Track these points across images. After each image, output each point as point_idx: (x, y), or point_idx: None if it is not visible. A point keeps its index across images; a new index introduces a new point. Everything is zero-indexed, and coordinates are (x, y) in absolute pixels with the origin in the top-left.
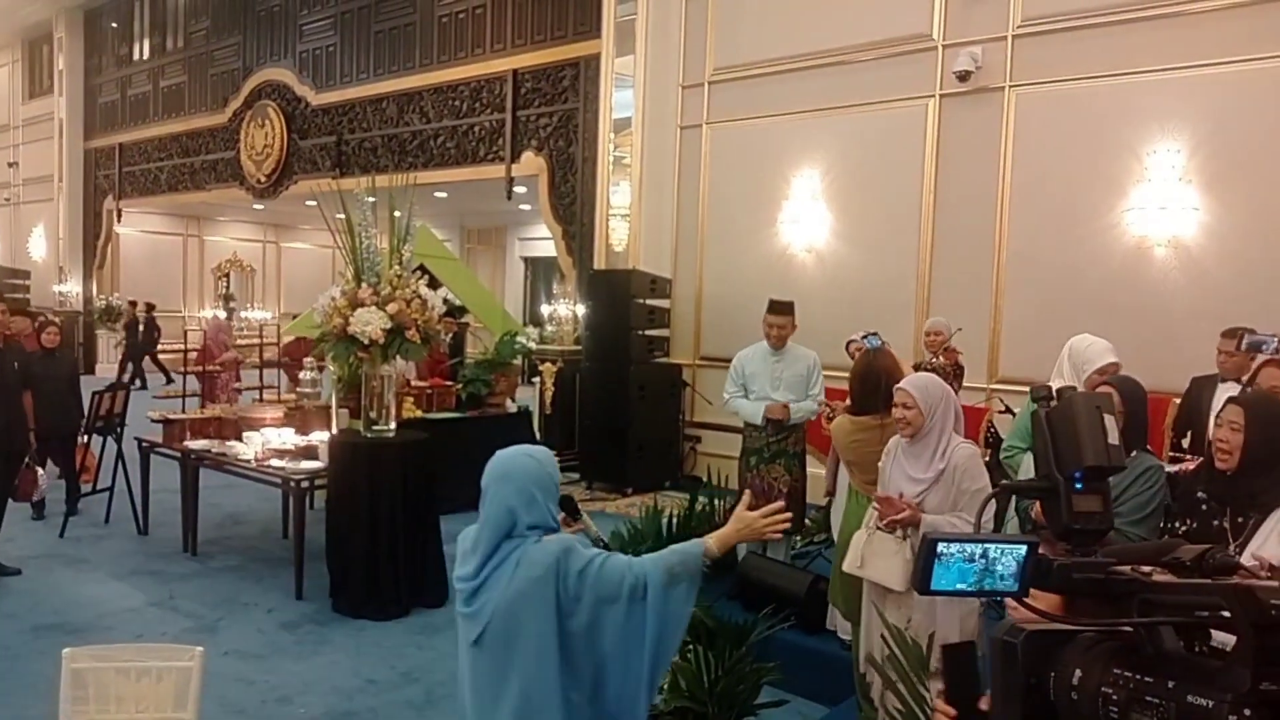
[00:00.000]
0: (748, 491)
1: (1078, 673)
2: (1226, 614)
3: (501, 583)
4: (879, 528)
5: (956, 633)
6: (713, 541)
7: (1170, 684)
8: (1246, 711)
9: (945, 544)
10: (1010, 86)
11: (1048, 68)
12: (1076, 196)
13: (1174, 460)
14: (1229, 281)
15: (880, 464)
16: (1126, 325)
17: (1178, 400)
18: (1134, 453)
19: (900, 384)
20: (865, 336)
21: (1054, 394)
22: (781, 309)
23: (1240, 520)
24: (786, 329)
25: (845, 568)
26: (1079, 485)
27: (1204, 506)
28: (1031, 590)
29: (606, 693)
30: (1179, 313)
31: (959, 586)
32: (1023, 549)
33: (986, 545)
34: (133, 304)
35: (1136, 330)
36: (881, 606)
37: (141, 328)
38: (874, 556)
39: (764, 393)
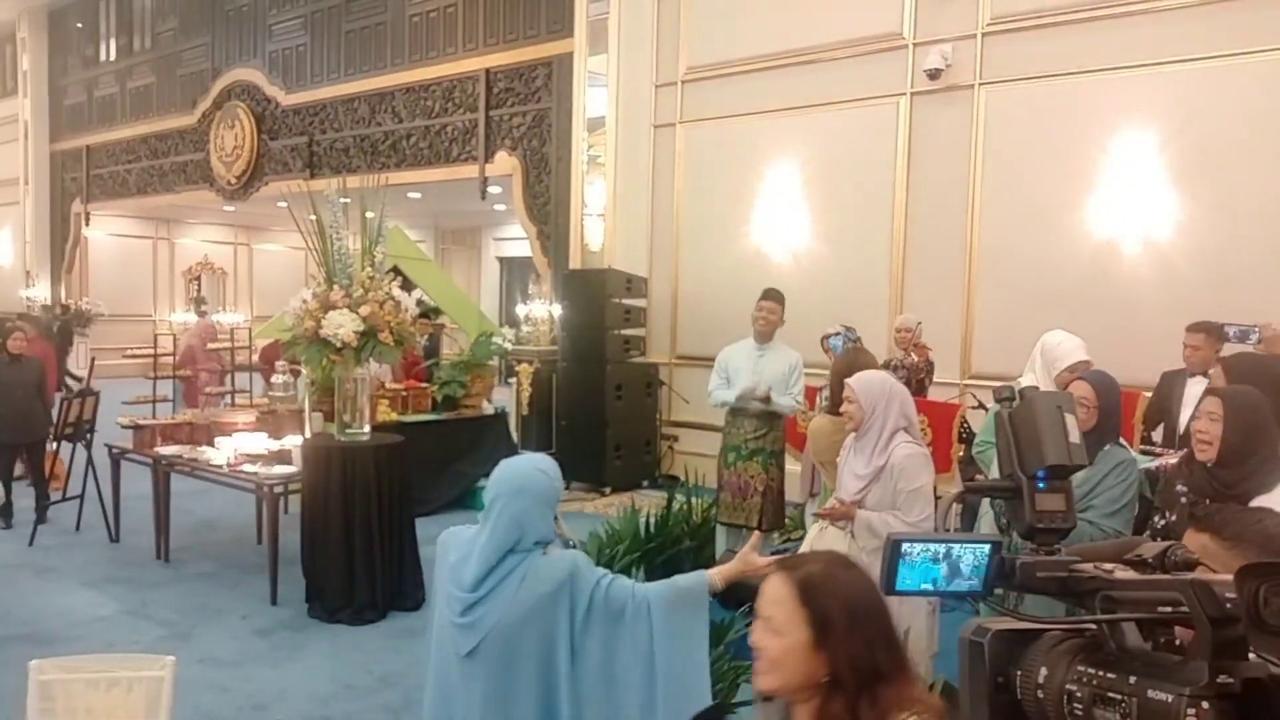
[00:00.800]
0: (756, 534)
1: (1043, 671)
2: (1185, 609)
3: (506, 596)
4: (831, 523)
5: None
6: (717, 576)
7: (1132, 680)
8: (1204, 704)
9: (909, 544)
10: (980, 84)
11: (1017, 65)
12: (1046, 193)
13: (1145, 454)
14: (1197, 276)
15: (838, 459)
16: (1096, 320)
17: (1148, 394)
18: (1108, 446)
19: (848, 379)
20: (830, 335)
21: (1016, 394)
22: (772, 294)
23: (1192, 514)
24: (775, 315)
25: None
26: (1042, 484)
27: (1183, 499)
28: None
29: (617, 713)
30: (1148, 307)
31: (924, 586)
32: (985, 548)
33: (950, 545)
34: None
35: (1106, 325)
36: None
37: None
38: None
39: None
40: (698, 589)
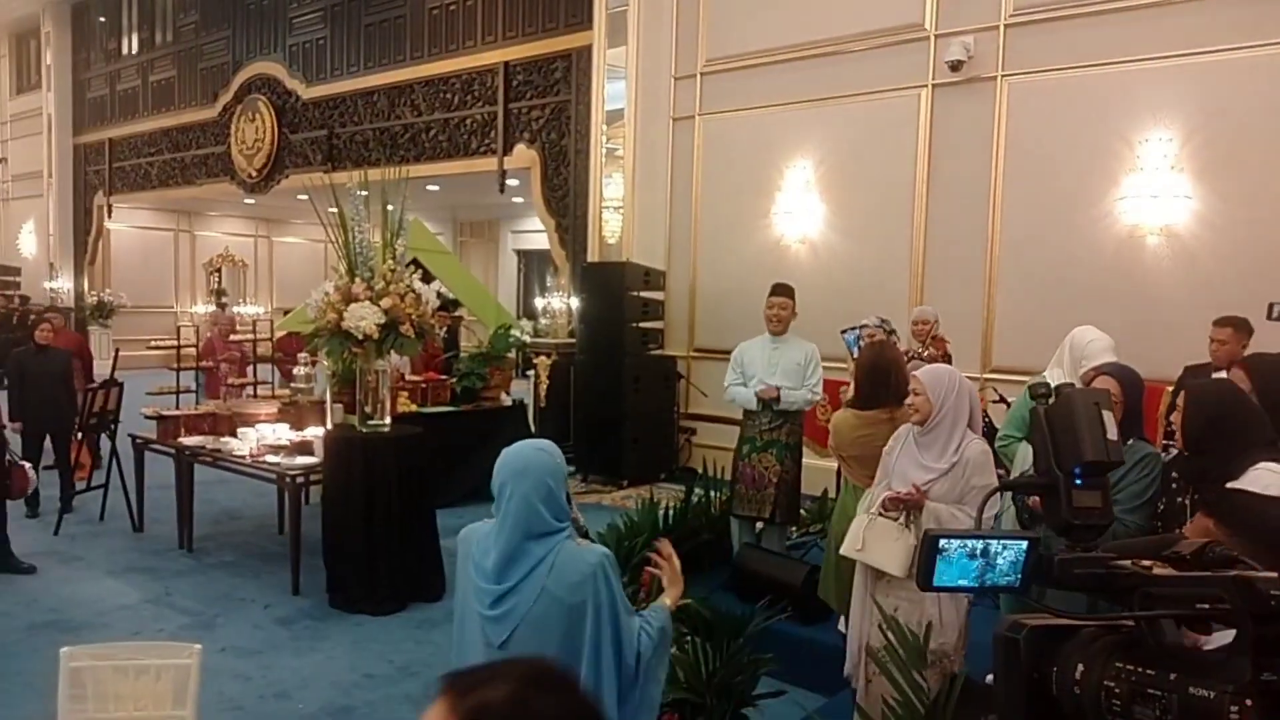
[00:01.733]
0: (664, 541)
1: (1080, 667)
2: (1226, 606)
3: (535, 586)
4: (880, 513)
5: (939, 624)
6: (669, 600)
7: (1172, 676)
8: (1248, 702)
9: (947, 540)
10: (1002, 76)
11: (1039, 57)
12: (1069, 185)
13: (1167, 449)
14: (1221, 269)
15: (886, 449)
16: (1119, 314)
17: (1170, 389)
18: (1130, 440)
19: (916, 371)
20: (846, 330)
21: (1053, 390)
22: (781, 289)
23: (1197, 497)
24: (787, 310)
25: (844, 551)
26: (1079, 481)
27: (1174, 485)
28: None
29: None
30: (1171, 301)
31: (961, 582)
32: (1023, 545)
33: (988, 541)
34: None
35: (1129, 319)
36: (873, 593)
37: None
38: (875, 541)
39: (761, 380)
40: (669, 629)
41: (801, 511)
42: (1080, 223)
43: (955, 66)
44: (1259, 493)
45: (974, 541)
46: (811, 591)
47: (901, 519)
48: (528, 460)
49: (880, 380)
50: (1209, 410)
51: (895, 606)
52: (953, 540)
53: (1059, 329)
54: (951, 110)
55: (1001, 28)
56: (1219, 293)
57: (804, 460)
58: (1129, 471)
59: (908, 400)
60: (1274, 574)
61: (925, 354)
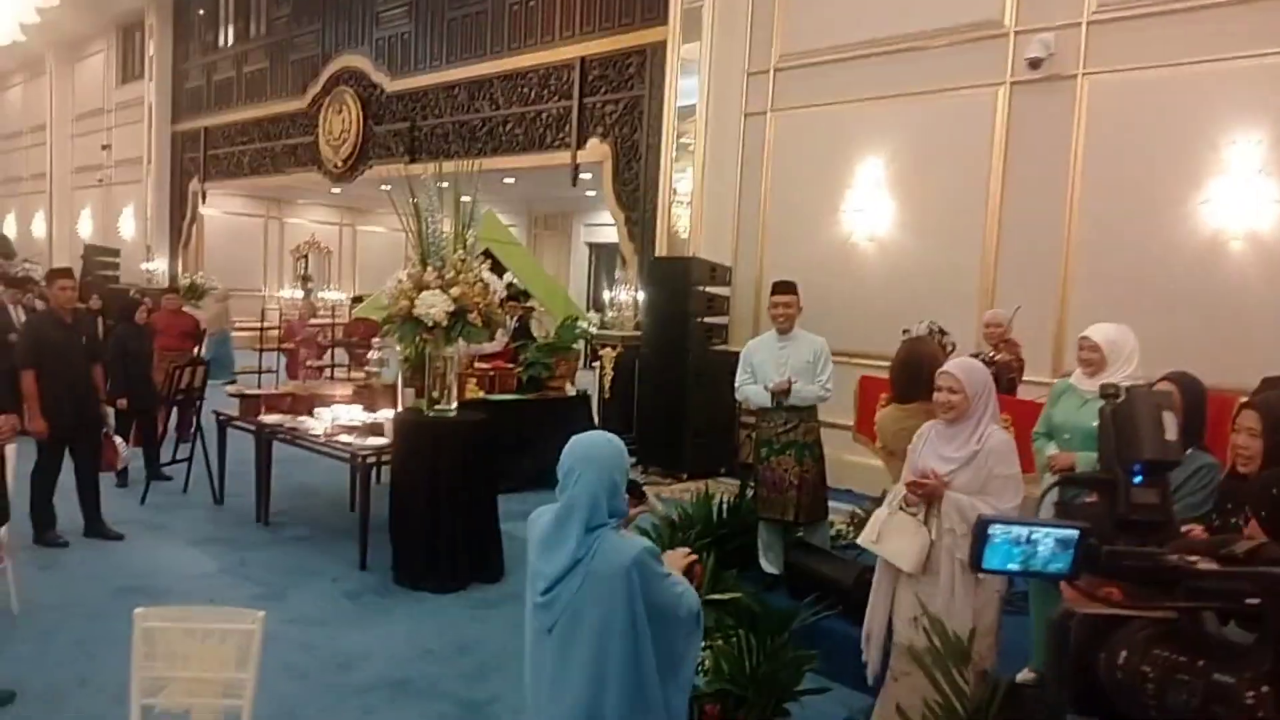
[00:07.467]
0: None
1: (1124, 653)
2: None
3: (578, 576)
4: (901, 508)
5: (969, 622)
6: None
7: (1200, 663)
8: (1264, 688)
9: (996, 525)
10: (1084, 74)
11: (1123, 55)
12: (1150, 188)
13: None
14: None
15: (910, 446)
16: (1198, 320)
17: (1244, 399)
18: (1189, 450)
19: (945, 368)
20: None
21: (1121, 391)
22: (783, 288)
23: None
24: (792, 308)
25: (860, 541)
26: (1138, 478)
27: (1228, 505)
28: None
29: (665, 690)
30: (1254, 309)
31: (1008, 566)
32: (1074, 533)
33: (1032, 528)
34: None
35: (1208, 326)
36: (895, 586)
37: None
38: (891, 534)
39: (770, 379)
40: (701, 615)
41: (857, 511)
42: (1160, 225)
43: (1035, 64)
44: None
45: (1019, 528)
46: (862, 591)
47: (920, 515)
48: (600, 450)
49: (914, 374)
50: None
51: (916, 600)
52: (998, 526)
53: (1135, 333)
54: (1029, 108)
55: (1084, 24)
56: None
57: (825, 458)
58: (1188, 480)
59: (940, 398)
60: None
61: (998, 357)
